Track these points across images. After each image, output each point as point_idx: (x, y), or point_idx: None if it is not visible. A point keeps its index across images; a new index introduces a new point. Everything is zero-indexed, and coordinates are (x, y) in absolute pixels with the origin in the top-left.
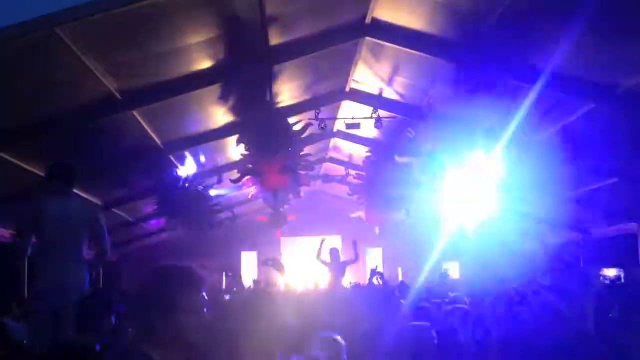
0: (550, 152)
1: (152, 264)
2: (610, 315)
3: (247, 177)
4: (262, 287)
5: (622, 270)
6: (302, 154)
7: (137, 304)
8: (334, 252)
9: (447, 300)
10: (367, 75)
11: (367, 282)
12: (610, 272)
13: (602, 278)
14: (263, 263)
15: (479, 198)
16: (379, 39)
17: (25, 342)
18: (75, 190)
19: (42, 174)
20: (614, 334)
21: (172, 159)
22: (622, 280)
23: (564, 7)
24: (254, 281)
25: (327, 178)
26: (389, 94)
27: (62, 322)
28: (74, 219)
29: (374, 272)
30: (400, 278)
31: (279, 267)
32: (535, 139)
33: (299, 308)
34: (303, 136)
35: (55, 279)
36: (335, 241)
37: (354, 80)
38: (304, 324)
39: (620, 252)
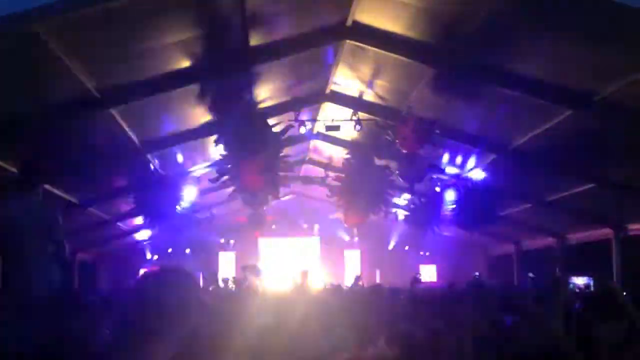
0: (527, 158)
1: (128, 264)
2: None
3: (226, 177)
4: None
5: (591, 279)
6: (281, 154)
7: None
8: None
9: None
10: (347, 78)
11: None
12: (580, 281)
13: (572, 286)
14: (242, 269)
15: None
16: (359, 41)
17: None
18: (49, 188)
19: (14, 170)
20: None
21: (150, 157)
22: (591, 289)
23: (543, 15)
24: (223, 280)
25: (307, 179)
26: (369, 96)
27: (30, 320)
28: (34, 219)
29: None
30: (378, 280)
31: (255, 272)
32: (513, 144)
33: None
34: (283, 138)
35: (24, 276)
36: (313, 242)
37: (334, 82)
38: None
39: (595, 257)
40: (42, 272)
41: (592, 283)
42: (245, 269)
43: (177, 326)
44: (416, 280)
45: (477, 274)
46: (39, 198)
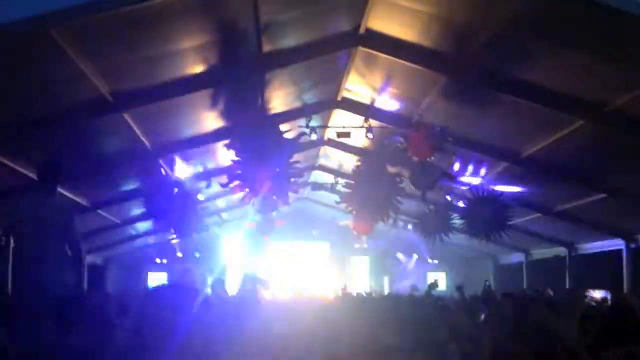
0: (538, 167)
1: (137, 267)
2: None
3: (237, 183)
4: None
5: (608, 292)
6: (291, 161)
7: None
8: None
9: None
10: (359, 85)
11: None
12: (597, 294)
13: (588, 299)
14: (248, 281)
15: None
16: (372, 49)
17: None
18: (60, 191)
19: (30, 174)
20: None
21: (161, 162)
22: (609, 303)
23: (555, 25)
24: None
25: (317, 186)
26: (381, 103)
27: (42, 324)
28: (50, 220)
29: None
30: (387, 287)
31: (263, 284)
32: (524, 153)
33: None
34: (296, 145)
35: (36, 280)
36: (323, 248)
37: (346, 89)
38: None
39: (606, 268)
40: (56, 274)
41: (609, 297)
42: (252, 282)
43: (171, 342)
44: (433, 287)
45: (487, 282)
46: (55, 200)
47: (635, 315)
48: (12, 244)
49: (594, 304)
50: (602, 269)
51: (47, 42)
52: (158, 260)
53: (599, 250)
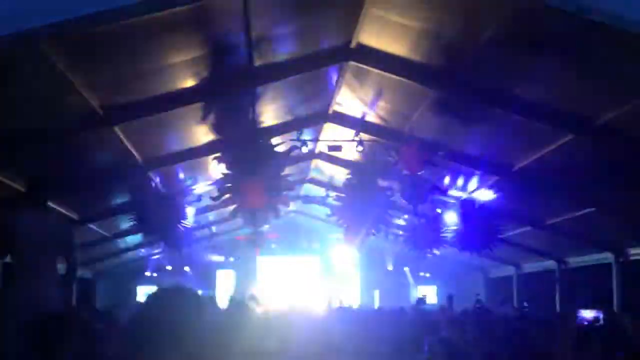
0: (528, 180)
1: (126, 281)
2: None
3: (227, 196)
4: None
5: (599, 311)
6: (282, 174)
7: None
8: None
9: None
10: (350, 99)
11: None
12: (588, 314)
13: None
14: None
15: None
16: (363, 63)
17: None
18: (50, 204)
19: (19, 187)
20: None
21: (152, 175)
22: (601, 322)
23: (544, 39)
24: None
25: (307, 199)
26: (372, 117)
27: (31, 340)
28: (48, 234)
29: None
30: (377, 301)
31: (255, 300)
32: (515, 166)
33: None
34: (287, 158)
35: (26, 295)
36: (314, 260)
37: (337, 102)
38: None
39: (596, 281)
40: (46, 288)
41: (601, 317)
42: (238, 304)
43: (179, 345)
44: (421, 301)
45: (478, 295)
46: (51, 214)
47: (626, 334)
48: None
49: (585, 323)
50: (592, 282)
51: (36, 56)
52: (148, 274)
53: (588, 263)
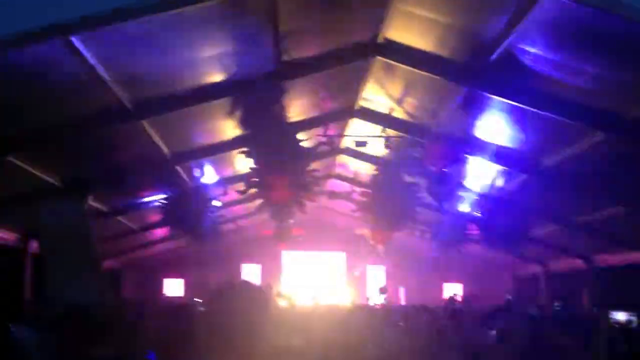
0: (557, 179)
1: (153, 273)
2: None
3: (254, 190)
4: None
5: (633, 314)
6: (308, 169)
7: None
8: None
9: None
10: (376, 94)
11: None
12: (620, 316)
13: (611, 321)
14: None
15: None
16: (390, 58)
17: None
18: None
19: (50, 179)
20: None
21: (179, 169)
22: (634, 325)
23: (572, 35)
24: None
25: (333, 194)
26: (398, 113)
27: (70, 331)
28: (83, 227)
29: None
30: (402, 297)
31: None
32: (543, 164)
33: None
34: (313, 153)
35: (61, 287)
36: (339, 257)
37: (363, 98)
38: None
39: (625, 281)
40: (78, 282)
41: (634, 319)
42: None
43: (249, 338)
44: (453, 301)
45: (509, 297)
46: (83, 209)
47: None
48: (31, 249)
49: (616, 326)
50: (620, 282)
51: (68, 50)
52: (175, 267)
53: (619, 263)
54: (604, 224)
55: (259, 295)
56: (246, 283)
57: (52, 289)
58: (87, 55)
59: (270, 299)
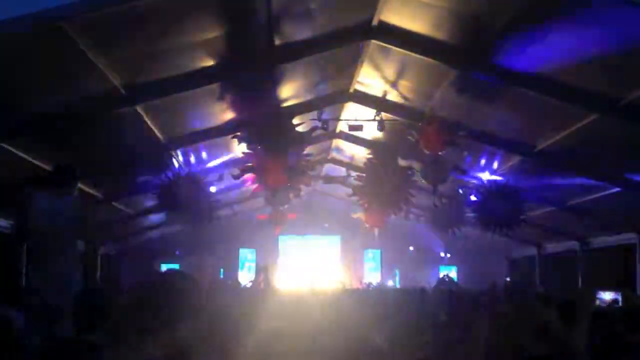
0: (551, 161)
1: (150, 258)
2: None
3: (248, 175)
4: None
5: (618, 293)
6: (303, 153)
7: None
8: None
9: None
10: (371, 78)
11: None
12: (607, 295)
13: (598, 301)
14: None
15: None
16: (384, 42)
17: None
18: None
19: (44, 166)
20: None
21: (174, 154)
22: (619, 304)
23: (568, 19)
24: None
25: (328, 178)
26: (393, 96)
27: (59, 317)
28: (71, 214)
29: None
30: (398, 280)
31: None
32: (538, 146)
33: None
34: (308, 138)
35: (51, 273)
36: (334, 241)
37: (358, 81)
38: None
39: (618, 262)
40: (67, 272)
41: (619, 298)
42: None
43: (170, 326)
44: (444, 281)
45: (508, 279)
46: (76, 196)
47: None
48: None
49: (603, 305)
50: (614, 263)
51: (59, 36)
52: (171, 251)
53: (611, 244)
54: (598, 205)
55: (189, 286)
56: (178, 274)
57: (39, 279)
58: (79, 41)
59: (204, 289)
